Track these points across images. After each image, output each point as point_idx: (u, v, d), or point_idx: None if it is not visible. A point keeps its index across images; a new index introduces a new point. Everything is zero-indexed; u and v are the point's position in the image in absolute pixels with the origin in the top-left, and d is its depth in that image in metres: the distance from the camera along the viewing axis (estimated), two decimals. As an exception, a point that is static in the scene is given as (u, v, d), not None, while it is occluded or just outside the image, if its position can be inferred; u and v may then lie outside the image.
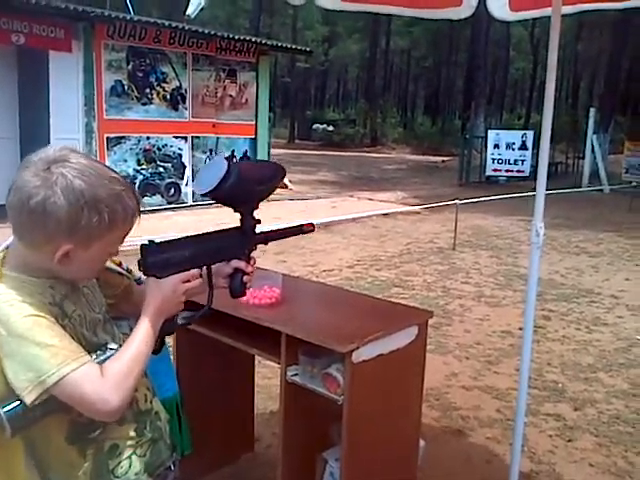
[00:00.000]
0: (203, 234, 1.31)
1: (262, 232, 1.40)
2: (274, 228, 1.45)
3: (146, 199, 9.79)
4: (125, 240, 1.20)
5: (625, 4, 2.54)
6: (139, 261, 1.20)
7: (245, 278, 1.36)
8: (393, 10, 2.65)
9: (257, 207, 1.36)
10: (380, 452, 1.98)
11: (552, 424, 3.30)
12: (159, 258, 1.20)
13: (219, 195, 1.28)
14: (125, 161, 9.68)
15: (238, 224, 1.37)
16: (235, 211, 1.35)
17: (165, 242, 1.23)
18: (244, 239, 1.36)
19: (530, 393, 3.26)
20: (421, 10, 2.67)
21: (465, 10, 2.67)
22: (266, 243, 1.42)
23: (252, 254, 1.39)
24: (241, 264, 1.35)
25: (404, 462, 2.15)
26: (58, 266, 1.12)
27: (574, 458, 2.98)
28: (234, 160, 11.16)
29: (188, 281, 1.24)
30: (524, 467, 2.73)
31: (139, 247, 1.18)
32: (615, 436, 3.19)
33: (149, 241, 1.20)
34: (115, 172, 1.16)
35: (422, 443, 2.23)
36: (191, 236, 1.28)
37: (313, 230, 1.52)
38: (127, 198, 1.14)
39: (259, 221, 1.37)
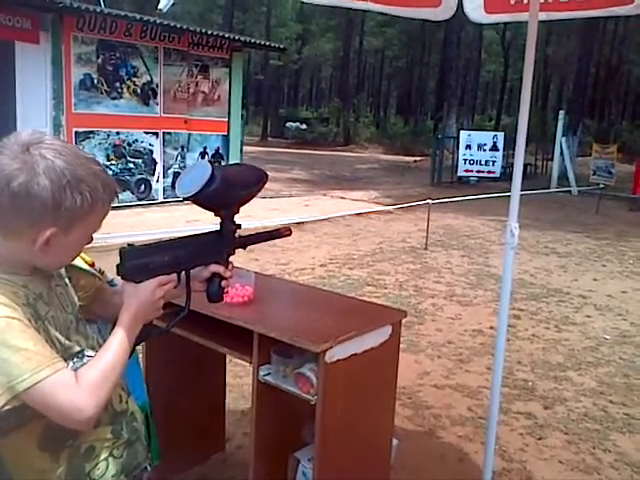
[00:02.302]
0: (182, 238, 1.29)
1: (241, 237, 1.39)
2: (252, 232, 1.44)
3: (116, 195, 9.62)
4: (101, 225, 1.17)
5: (595, 12, 2.58)
6: (118, 265, 1.17)
7: (223, 283, 1.34)
8: (371, 6, 2.62)
9: (238, 212, 1.35)
10: (353, 451, 1.96)
11: (523, 422, 3.33)
12: (138, 263, 1.18)
13: (201, 200, 1.26)
14: (94, 156, 9.47)
15: (214, 226, 1.35)
16: (215, 215, 1.34)
17: (144, 246, 1.20)
18: (223, 244, 1.35)
19: (501, 392, 3.28)
20: (398, 8, 2.66)
21: (444, 12, 2.66)
22: (245, 248, 1.41)
23: (230, 259, 1.37)
24: (220, 269, 1.33)
25: (377, 461, 2.14)
26: (38, 255, 1.08)
27: (544, 456, 3.01)
28: (210, 159, 11.07)
29: (166, 284, 1.22)
30: (496, 465, 2.74)
31: (118, 251, 1.15)
32: (583, 433, 3.24)
33: (128, 245, 1.17)
34: (88, 153, 1.16)
35: (395, 442, 2.22)
36: (170, 240, 1.26)
37: (290, 234, 1.52)
38: (105, 176, 1.14)
39: (239, 226, 1.36)
